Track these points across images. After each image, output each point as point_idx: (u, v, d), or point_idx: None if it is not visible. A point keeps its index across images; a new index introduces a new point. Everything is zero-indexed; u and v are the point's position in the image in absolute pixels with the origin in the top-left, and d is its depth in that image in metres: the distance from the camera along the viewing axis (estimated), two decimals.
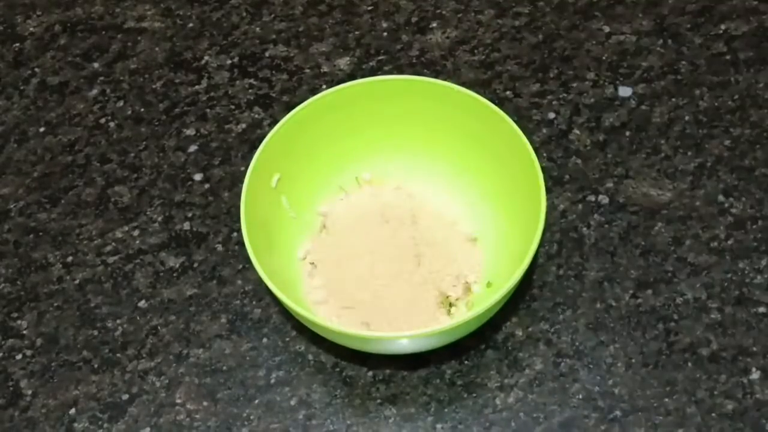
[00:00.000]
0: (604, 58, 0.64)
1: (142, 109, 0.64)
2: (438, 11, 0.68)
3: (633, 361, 0.51)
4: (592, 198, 0.58)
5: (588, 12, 0.67)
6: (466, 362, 0.52)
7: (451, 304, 0.53)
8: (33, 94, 0.66)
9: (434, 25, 0.67)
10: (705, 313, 0.53)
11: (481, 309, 0.46)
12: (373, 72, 0.65)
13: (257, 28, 0.68)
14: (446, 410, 0.51)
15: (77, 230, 0.59)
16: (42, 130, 0.64)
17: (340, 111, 0.54)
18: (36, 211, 0.60)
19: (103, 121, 0.64)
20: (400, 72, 0.64)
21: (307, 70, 0.65)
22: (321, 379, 0.52)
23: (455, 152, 0.56)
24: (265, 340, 0.54)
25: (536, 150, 0.51)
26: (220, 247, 0.57)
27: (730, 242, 0.55)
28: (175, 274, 0.56)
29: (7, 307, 0.56)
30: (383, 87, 0.55)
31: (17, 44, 0.69)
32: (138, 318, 0.55)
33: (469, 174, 0.56)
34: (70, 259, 0.58)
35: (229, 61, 0.66)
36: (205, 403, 0.52)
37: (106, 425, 0.51)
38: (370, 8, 0.69)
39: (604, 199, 0.58)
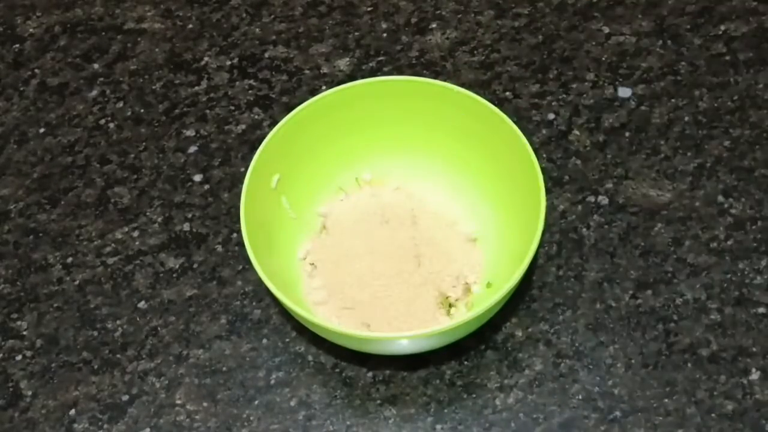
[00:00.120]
0: (603, 58, 0.64)
1: (142, 110, 0.64)
2: (438, 12, 0.68)
3: (633, 361, 0.51)
4: (591, 198, 0.58)
5: (587, 13, 0.67)
6: (465, 363, 0.52)
7: (450, 305, 0.53)
8: (33, 95, 0.66)
9: (434, 25, 0.67)
10: (705, 314, 0.53)
11: (480, 309, 0.46)
12: (373, 73, 0.65)
13: (257, 29, 0.68)
14: (446, 411, 0.51)
15: (77, 231, 0.59)
16: (42, 131, 0.64)
17: (340, 112, 0.55)
18: (36, 212, 0.60)
19: (102, 122, 0.64)
20: (400, 73, 0.64)
21: (307, 71, 0.65)
22: (321, 379, 0.52)
23: (455, 152, 0.56)
24: (264, 340, 0.54)
25: (536, 151, 0.51)
26: (219, 248, 0.57)
27: (729, 243, 0.55)
28: (174, 275, 0.56)
29: (7, 308, 0.56)
30: (383, 88, 0.55)
31: (17, 45, 0.69)
32: (138, 319, 0.55)
33: (469, 174, 0.56)
34: (70, 260, 0.58)
35: (228, 62, 0.66)
36: (205, 404, 0.52)
37: (106, 426, 0.51)
38: (369, 9, 0.69)
39: (603, 200, 0.58)
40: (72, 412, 0.52)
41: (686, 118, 0.61)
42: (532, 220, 0.48)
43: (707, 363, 0.51)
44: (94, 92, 0.66)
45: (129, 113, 0.64)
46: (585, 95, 0.62)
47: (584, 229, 0.56)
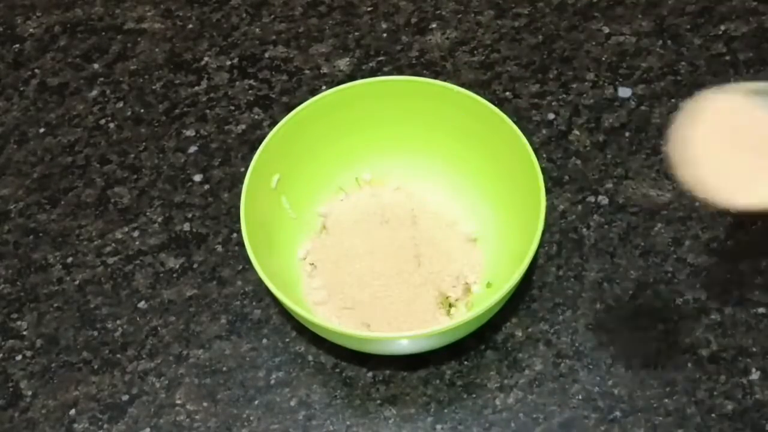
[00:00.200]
0: (603, 58, 0.64)
1: (142, 110, 0.64)
2: (438, 12, 0.68)
3: (633, 361, 0.51)
4: (591, 198, 0.58)
5: (587, 13, 0.67)
6: (465, 363, 0.52)
7: (450, 305, 0.53)
8: (33, 95, 0.66)
9: (434, 26, 0.67)
10: (705, 314, 0.53)
11: (480, 309, 0.46)
12: (373, 73, 0.65)
13: (257, 29, 0.68)
14: (446, 411, 0.51)
15: (77, 231, 0.59)
16: (42, 131, 0.64)
17: (340, 112, 0.55)
18: (36, 212, 0.60)
19: (102, 122, 0.64)
20: (400, 73, 0.64)
21: (307, 71, 0.65)
22: (321, 379, 0.52)
23: (455, 152, 0.56)
24: (265, 340, 0.54)
25: (536, 151, 0.51)
26: (220, 248, 0.57)
27: (730, 243, 0.55)
28: (174, 275, 0.56)
29: (7, 308, 0.56)
30: (383, 88, 0.55)
31: (17, 45, 0.69)
32: (138, 319, 0.55)
33: (469, 174, 0.56)
34: (70, 260, 0.58)
35: (228, 62, 0.66)
36: (205, 404, 0.52)
37: (106, 426, 0.51)
38: (369, 9, 0.69)
39: (603, 200, 0.58)
40: (72, 412, 0.52)
41: None
42: (532, 220, 0.48)
43: (707, 363, 0.51)
44: (94, 92, 0.66)
45: (129, 113, 0.64)
46: (585, 95, 0.62)
47: (584, 229, 0.56)
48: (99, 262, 0.57)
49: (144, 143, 0.63)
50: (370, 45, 0.66)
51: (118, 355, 0.54)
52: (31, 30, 0.70)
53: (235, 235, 0.58)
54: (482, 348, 0.52)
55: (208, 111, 0.64)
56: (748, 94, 0.34)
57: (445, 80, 0.56)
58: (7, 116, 0.65)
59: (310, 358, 0.53)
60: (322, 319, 0.52)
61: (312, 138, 0.54)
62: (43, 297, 0.56)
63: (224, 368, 0.53)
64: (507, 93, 0.63)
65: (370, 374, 0.52)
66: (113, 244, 0.58)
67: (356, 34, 0.67)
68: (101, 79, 0.66)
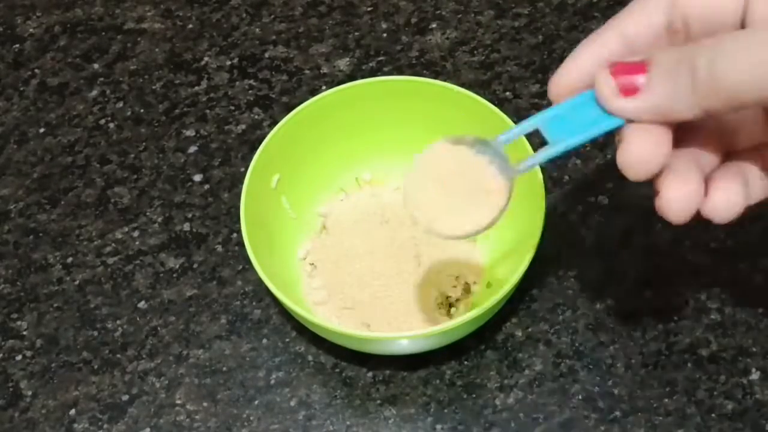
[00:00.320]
0: None
1: (142, 110, 0.64)
2: (438, 12, 0.68)
3: (633, 361, 0.51)
4: (592, 199, 0.58)
5: (588, 13, 0.67)
6: (465, 363, 0.52)
7: (450, 305, 0.53)
8: (33, 95, 0.66)
9: (434, 26, 0.67)
10: (705, 314, 0.53)
11: (480, 309, 0.46)
12: (373, 73, 0.65)
13: (257, 29, 0.68)
14: (446, 411, 0.51)
15: (77, 231, 0.59)
16: (42, 131, 0.64)
17: (340, 112, 0.55)
18: (36, 212, 0.60)
19: (102, 122, 0.64)
20: (400, 73, 0.64)
21: (307, 71, 0.65)
22: (321, 379, 0.52)
23: None
24: (264, 340, 0.54)
25: (536, 150, 0.51)
26: (219, 248, 0.57)
27: (729, 242, 0.55)
28: (174, 275, 0.56)
29: (7, 308, 0.56)
30: (383, 88, 0.55)
31: (17, 45, 0.69)
32: (138, 319, 0.55)
33: None
34: (70, 260, 0.58)
35: (228, 62, 0.66)
36: (205, 404, 0.52)
37: (106, 426, 0.51)
38: (369, 9, 0.69)
39: (603, 200, 0.58)
40: (72, 412, 0.52)
41: None
42: (532, 220, 0.48)
43: (707, 363, 0.51)
44: (94, 92, 0.66)
45: (129, 113, 0.64)
46: None
47: (584, 229, 0.56)
48: (99, 262, 0.57)
49: (144, 143, 0.63)
50: (370, 45, 0.66)
51: (118, 355, 0.54)
52: (31, 30, 0.70)
53: (235, 235, 0.58)
54: (482, 348, 0.52)
55: (208, 111, 0.64)
56: (460, 143, 0.40)
57: (445, 80, 0.56)
58: (7, 116, 0.65)
59: (310, 358, 0.53)
60: (322, 319, 0.52)
61: (312, 138, 0.54)
62: (43, 297, 0.56)
63: (224, 368, 0.53)
64: (507, 93, 0.63)
65: (370, 374, 0.52)
66: (113, 244, 0.58)
67: (356, 34, 0.67)
68: (101, 79, 0.66)
